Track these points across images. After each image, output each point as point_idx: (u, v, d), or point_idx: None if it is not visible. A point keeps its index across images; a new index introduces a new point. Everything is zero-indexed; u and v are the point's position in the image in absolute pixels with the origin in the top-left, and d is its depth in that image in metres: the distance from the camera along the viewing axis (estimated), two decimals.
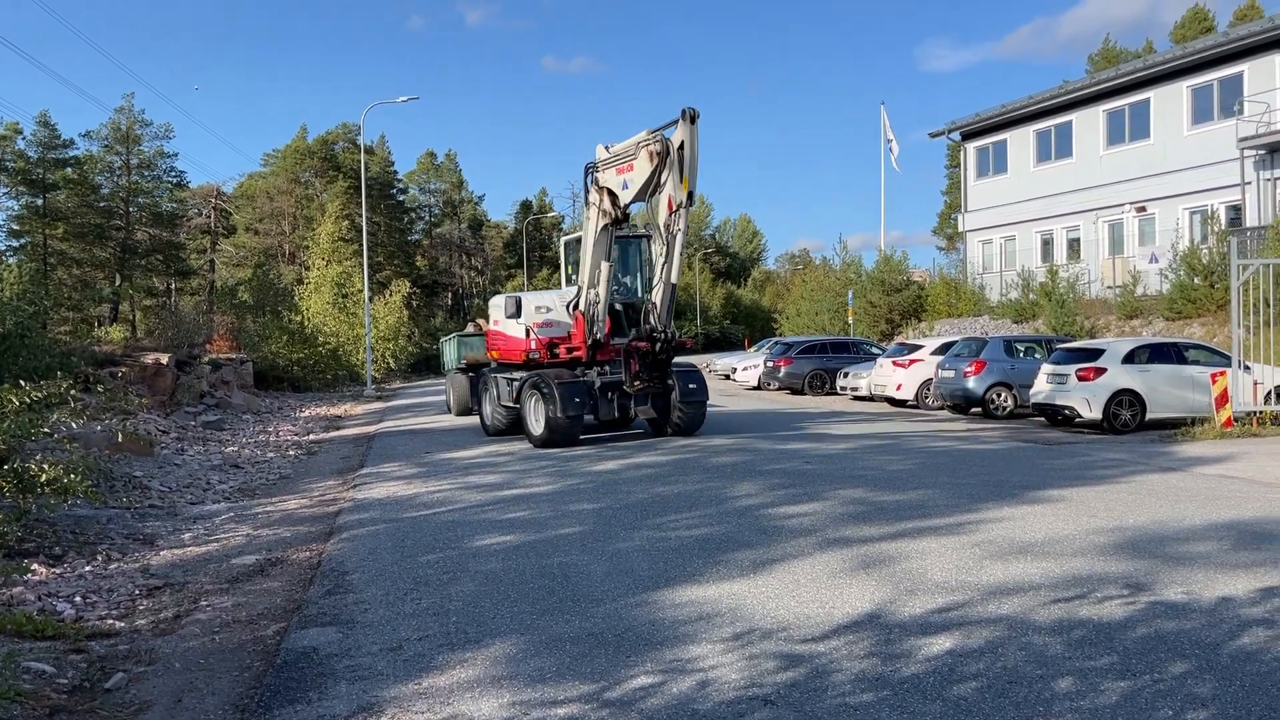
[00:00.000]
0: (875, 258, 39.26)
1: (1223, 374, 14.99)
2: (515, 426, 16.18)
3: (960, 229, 40.32)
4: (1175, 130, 29.85)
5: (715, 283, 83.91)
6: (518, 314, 15.80)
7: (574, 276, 15.83)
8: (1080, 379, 15.79)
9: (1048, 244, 34.95)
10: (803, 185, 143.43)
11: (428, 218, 78.69)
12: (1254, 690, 4.36)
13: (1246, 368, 15.17)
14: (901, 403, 21.91)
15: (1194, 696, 4.31)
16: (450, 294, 78.40)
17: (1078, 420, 16.14)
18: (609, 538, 8.14)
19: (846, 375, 25.06)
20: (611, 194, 14.17)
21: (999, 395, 18.67)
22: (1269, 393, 15.19)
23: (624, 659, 5.09)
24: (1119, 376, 15.64)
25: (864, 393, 23.74)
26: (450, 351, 25.10)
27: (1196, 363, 15.97)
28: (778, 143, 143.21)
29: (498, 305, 16.91)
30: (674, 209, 13.02)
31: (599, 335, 14.78)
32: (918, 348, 22.32)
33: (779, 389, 28.17)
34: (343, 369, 40.11)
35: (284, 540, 8.88)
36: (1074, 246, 33.65)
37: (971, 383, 18.80)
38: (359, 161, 41.20)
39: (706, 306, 77.11)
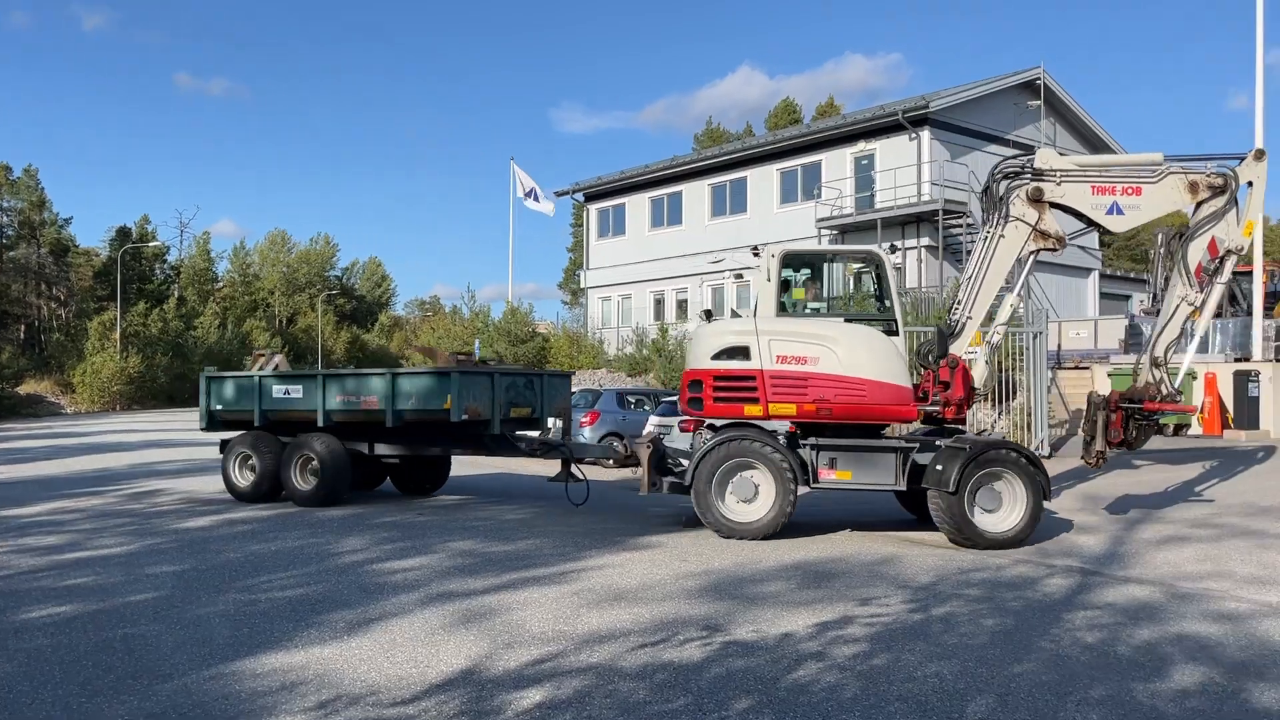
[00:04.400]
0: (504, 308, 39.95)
1: None
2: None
3: (583, 285, 42.20)
4: (767, 207, 33.42)
5: (340, 326, 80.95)
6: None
7: (794, 304, 11.30)
8: (683, 430, 16.91)
9: (660, 303, 37.51)
10: (445, 234, 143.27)
11: None
12: None
13: None
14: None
15: None
16: (23, 326, 68.73)
17: (679, 468, 17.25)
18: (188, 603, 7.37)
19: None
20: (1066, 212, 11.20)
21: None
22: None
23: None
24: None
25: None
26: (262, 395, 13.09)
27: None
28: (425, 189, 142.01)
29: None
30: (1219, 254, 10.96)
31: (981, 387, 11.34)
32: None
33: None
34: None
35: None
36: (683, 307, 36.38)
37: (586, 433, 19.51)
38: None
39: (330, 350, 74.03)
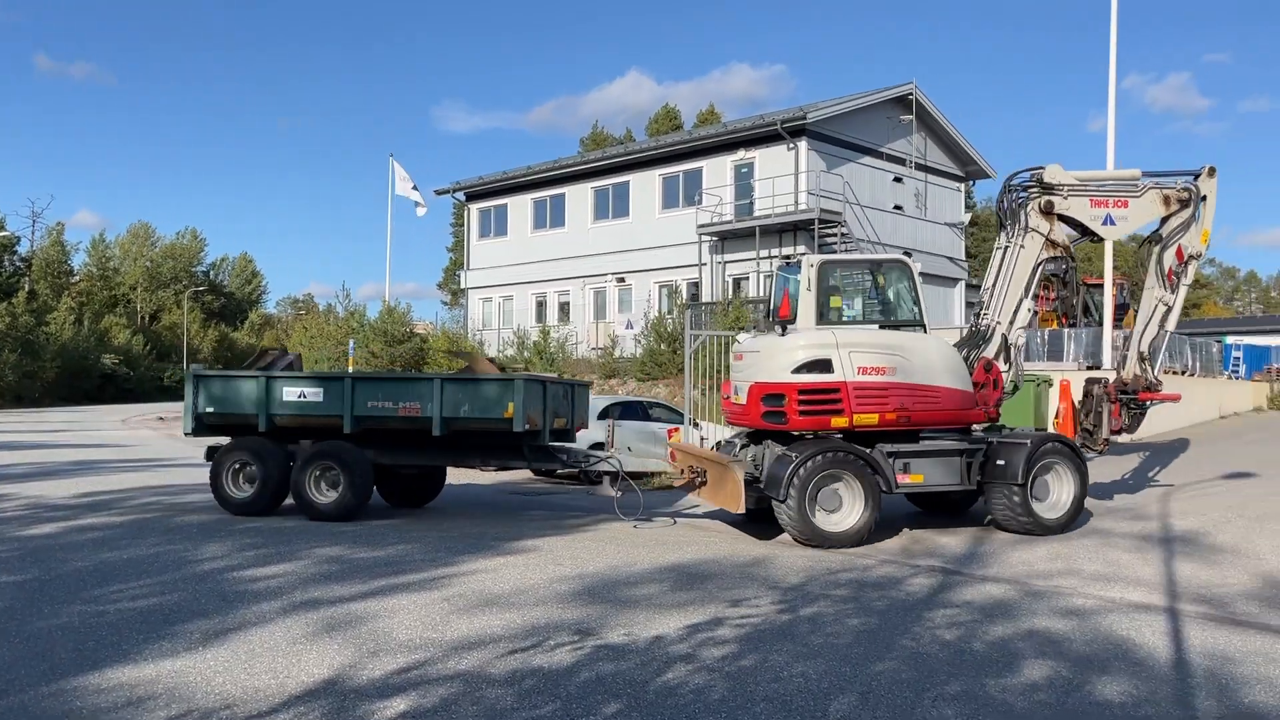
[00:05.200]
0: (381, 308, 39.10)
1: (677, 430, 16.91)
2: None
3: (463, 286, 41.68)
4: (649, 212, 33.64)
5: (208, 324, 77.81)
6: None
7: (829, 313, 11.16)
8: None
9: (542, 305, 37.35)
10: (322, 231, 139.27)
11: None
12: None
13: (696, 424, 17.27)
14: None
15: None
16: None
17: (560, 471, 17.18)
18: (29, 615, 6.92)
19: None
20: (1065, 223, 12.02)
21: None
22: (713, 447, 17.40)
23: None
24: (595, 430, 16.92)
25: None
26: (270, 397, 11.80)
27: (660, 419, 17.87)
28: (302, 184, 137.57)
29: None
30: (1184, 259, 12.31)
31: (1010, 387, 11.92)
32: None
33: None
34: None
35: None
36: (565, 309, 36.31)
37: None
38: None
39: (197, 349, 71.07)
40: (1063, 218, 11.88)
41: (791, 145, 29.36)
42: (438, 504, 13.73)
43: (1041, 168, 11.94)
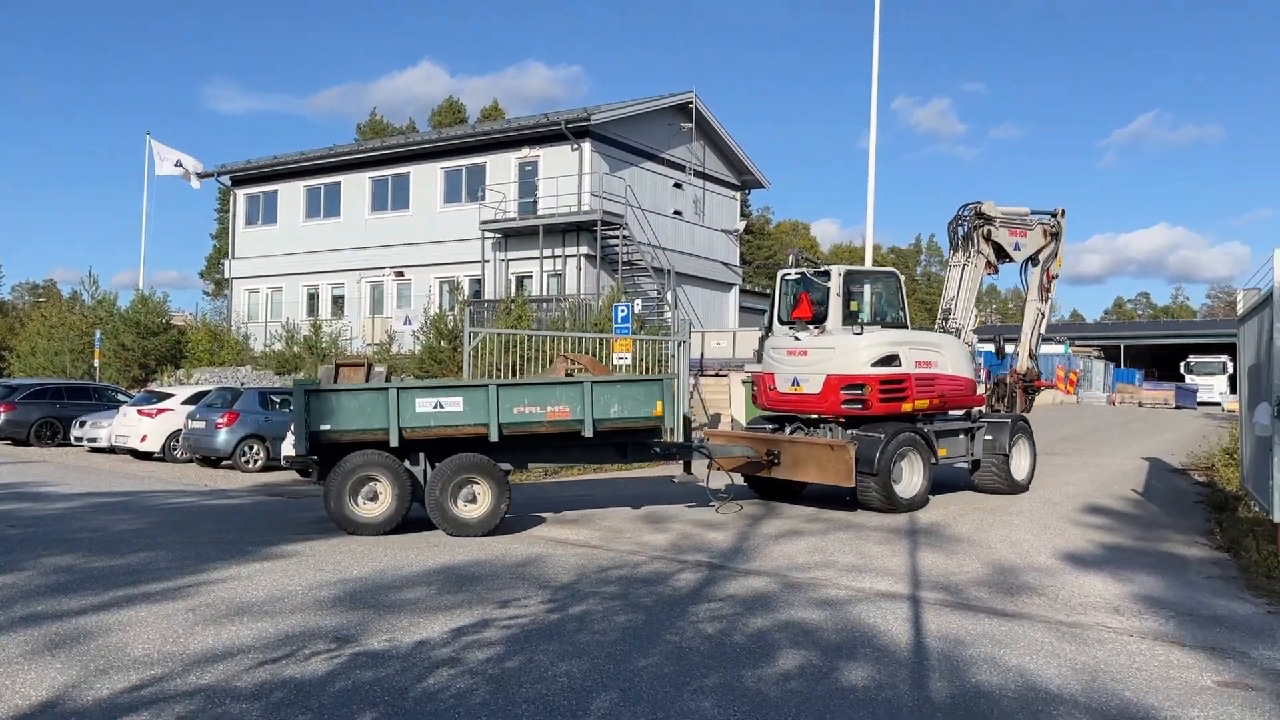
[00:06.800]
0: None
1: None
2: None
3: (228, 275, 39.30)
4: (431, 206, 32.91)
5: None
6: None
7: (849, 316, 12.82)
8: None
9: (314, 298, 35.79)
10: (69, 213, 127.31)
11: None
12: None
13: None
14: (147, 455, 20.21)
15: None
16: None
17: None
18: None
19: (84, 424, 22.41)
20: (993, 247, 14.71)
21: (251, 448, 18.26)
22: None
23: None
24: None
25: (104, 444, 21.44)
26: (402, 410, 10.83)
27: None
28: (46, 161, 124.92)
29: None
30: (1051, 278, 15.70)
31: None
32: (168, 396, 20.91)
33: None
34: None
35: None
36: (339, 303, 34.95)
37: (223, 435, 18.08)
38: None
39: None
40: (992, 243, 14.71)
41: (575, 146, 29.51)
42: (188, 507, 12.85)
43: (980, 202, 14.57)
